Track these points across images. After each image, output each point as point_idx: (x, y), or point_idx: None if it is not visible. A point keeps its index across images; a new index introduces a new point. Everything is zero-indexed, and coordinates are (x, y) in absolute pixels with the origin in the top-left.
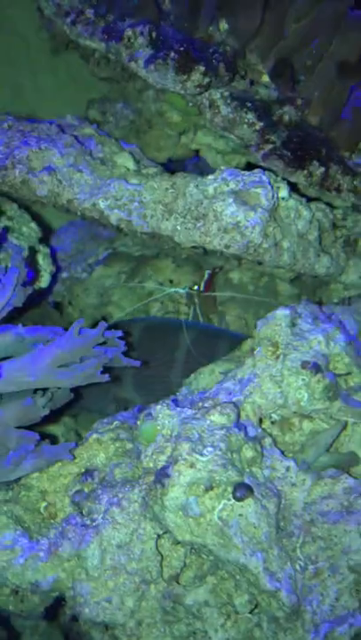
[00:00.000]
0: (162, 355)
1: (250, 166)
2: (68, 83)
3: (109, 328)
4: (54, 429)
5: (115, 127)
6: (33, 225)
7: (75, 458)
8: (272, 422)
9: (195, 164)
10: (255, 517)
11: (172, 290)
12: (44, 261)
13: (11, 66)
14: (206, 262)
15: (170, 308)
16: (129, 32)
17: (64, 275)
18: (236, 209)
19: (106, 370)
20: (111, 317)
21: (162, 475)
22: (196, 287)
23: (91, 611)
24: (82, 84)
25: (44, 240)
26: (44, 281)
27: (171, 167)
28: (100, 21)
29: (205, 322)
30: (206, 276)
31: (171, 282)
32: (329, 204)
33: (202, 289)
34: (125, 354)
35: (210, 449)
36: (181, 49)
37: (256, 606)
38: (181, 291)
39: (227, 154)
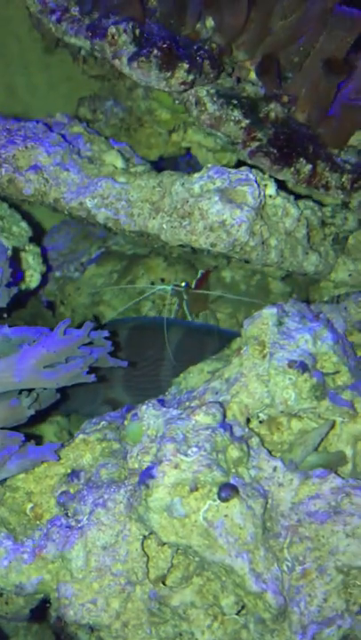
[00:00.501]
0: (151, 354)
1: (241, 164)
2: (62, 81)
3: (97, 328)
4: (46, 429)
5: (105, 125)
6: (23, 224)
7: (61, 458)
8: (260, 422)
9: (186, 162)
10: (241, 518)
11: (158, 287)
12: (34, 261)
13: (4, 64)
14: (198, 261)
15: (161, 306)
16: (112, 29)
17: (57, 274)
18: (222, 207)
19: (93, 370)
20: (103, 317)
21: (146, 476)
22: (184, 284)
23: (75, 613)
24: (75, 82)
25: (36, 239)
26: (34, 281)
27: (162, 165)
28: (85, 19)
29: (193, 319)
30: (199, 274)
31: (162, 280)
32: (318, 202)
33: (192, 287)
34: (113, 354)
35: (195, 449)
36: (164, 46)
37: (243, 607)
38: (168, 287)
39: (217, 151)
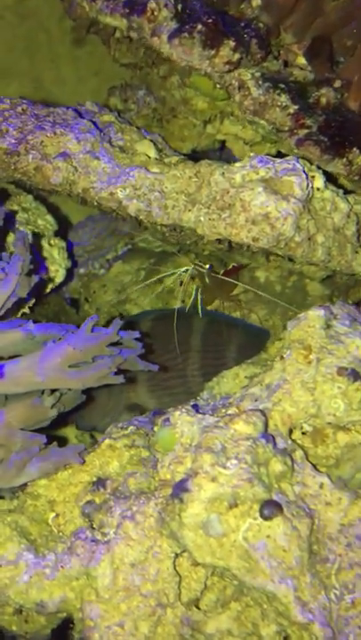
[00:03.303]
0: (175, 347)
1: (281, 157)
2: (91, 75)
3: (123, 328)
4: (67, 430)
5: (136, 115)
6: (49, 217)
7: (86, 464)
8: (303, 433)
9: (217, 157)
10: (285, 539)
11: (181, 270)
12: (59, 255)
13: (32, 57)
14: (231, 259)
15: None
16: (152, 4)
17: (81, 270)
18: (267, 199)
19: (120, 373)
20: (129, 315)
21: (180, 489)
22: (208, 266)
23: (101, 636)
24: (104, 75)
25: (61, 233)
26: (58, 276)
27: (195, 159)
28: None
29: (210, 307)
30: (230, 267)
31: (193, 279)
32: None
33: (220, 273)
34: (142, 356)
35: (234, 461)
36: (209, 21)
37: (285, 638)
38: (189, 268)
39: (255, 144)
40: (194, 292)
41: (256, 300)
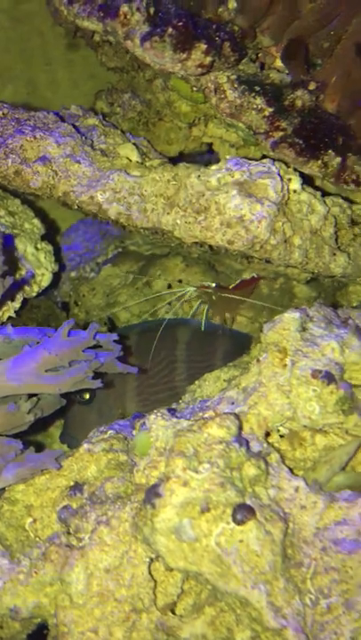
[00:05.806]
0: (162, 357)
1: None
2: (85, 78)
3: (111, 331)
4: (55, 433)
5: (122, 119)
6: (36, 221)
7: (64, 469)
8: (280, 436)
9: (206, 161)
10: (258, 544)
11: (185, 290)
12: (45, 259)
13: (26, 61)
14: (219, 262)
15: (179, 311)
16: (125, 8)
17: (73, 274)
18: (241, 201)
19: (99, 376)
20: (117, 319)
21: (152, 493)
22: (214, 284)
23: None
24: (99, 79)
25: (50, 237)
26: (44, 279)
27: (182, 162)
28: None
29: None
30: (250, 277)
31: (180, 282)
32: (347, 199)
33: (231, 287)
34: (122, 359)
35: (206, 465)
36: (180, 24)
37: None
38: (190, 289)
39: (240, 147)
40: (196, 306)
41: (242, 303)
